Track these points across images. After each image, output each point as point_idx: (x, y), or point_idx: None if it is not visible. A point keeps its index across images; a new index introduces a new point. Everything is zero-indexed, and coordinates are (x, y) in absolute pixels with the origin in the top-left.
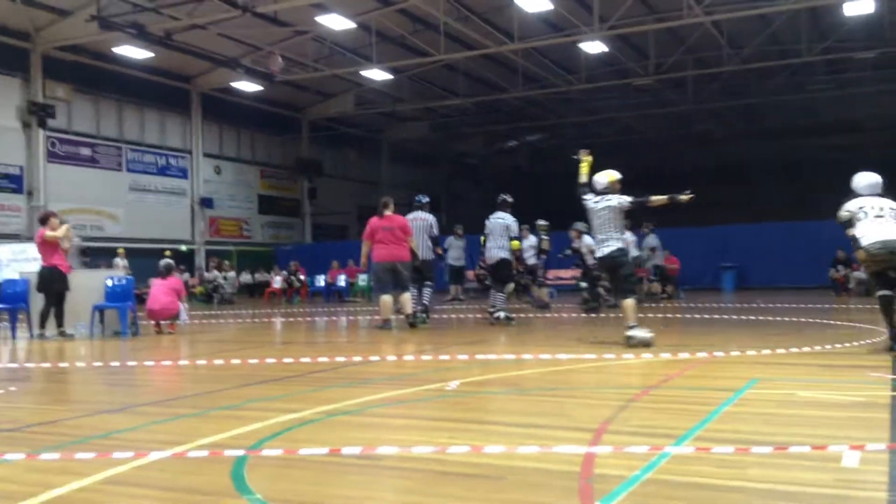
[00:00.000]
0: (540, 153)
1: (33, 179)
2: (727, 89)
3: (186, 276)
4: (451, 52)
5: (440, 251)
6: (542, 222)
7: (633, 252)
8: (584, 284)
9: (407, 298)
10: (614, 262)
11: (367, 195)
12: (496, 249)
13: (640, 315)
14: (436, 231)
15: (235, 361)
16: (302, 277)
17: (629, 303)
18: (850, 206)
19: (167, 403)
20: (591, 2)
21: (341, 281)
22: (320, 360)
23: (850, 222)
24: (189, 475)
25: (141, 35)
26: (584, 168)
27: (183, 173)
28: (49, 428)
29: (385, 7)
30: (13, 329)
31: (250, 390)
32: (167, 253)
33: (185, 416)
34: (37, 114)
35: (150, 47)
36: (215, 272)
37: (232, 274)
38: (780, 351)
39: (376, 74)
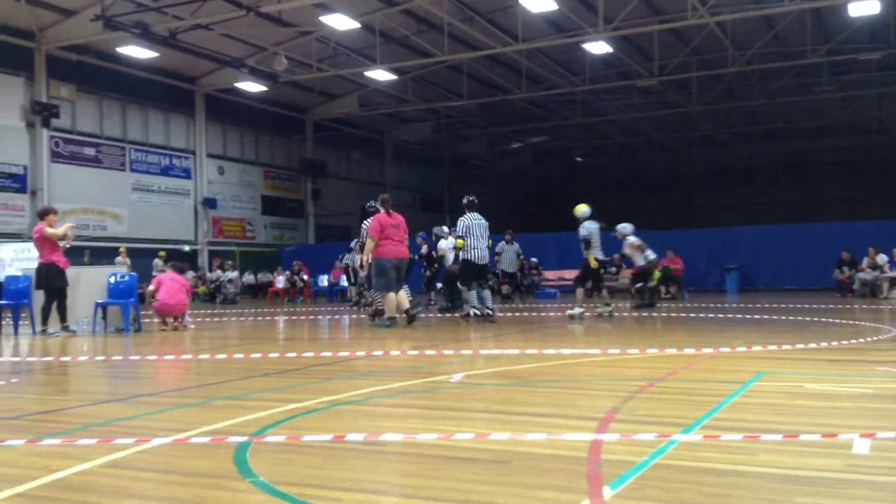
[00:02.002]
0: (544, 155)
1: (37, 179)
2: (731, 91)
3: (190, 274)
4: (455, 53)
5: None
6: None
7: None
8: (638, 284)
9: (404, 296)
10: None
11: (371, 196)
12: (484, 250)
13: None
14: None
15: (238, 356)
16: (305, 277)
17: None
18: None
19: (169, 394)
20: (595, 3)
21: (344, 281)
22: (323, 354)
23: None
24: (191, 459)
25: (145, 35)
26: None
27: (186, 174)
28: (51, 416)
29: (389, 7)
30: (16, 325)
31: (253, 382)
32: (161, 253)
33: (188, 405)
34: (41, 113)
35: (155, 47)
36: (218, 272)
37: (235, 274)
38: (787, 347)
39: (380, 75)
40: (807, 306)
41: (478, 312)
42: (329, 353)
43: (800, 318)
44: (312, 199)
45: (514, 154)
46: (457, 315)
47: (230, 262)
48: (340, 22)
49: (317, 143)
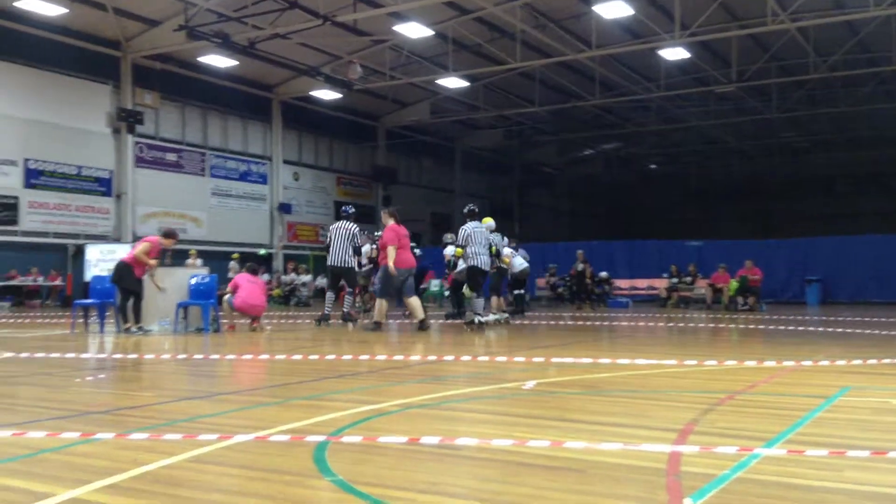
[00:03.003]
0: (616, 162)
1: (122, 183)
2: (813, 97)
3: (266, 277)
4: (527, 60)
5: (360, 260)
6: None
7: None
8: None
9: (419, 303)
10: None
11: (441, 203)
12: (486, 256)
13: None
14: (358, 241)
15: (313, 357)
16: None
17: None
18: None
19: (249, 392)
20: (672, 8)
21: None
22: (395, 358)
23: None
24: (272, 457)
25: (225, 44)
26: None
27: (263, 179)
28: (137, 412)
29: (462, 15)
30: (101, 323)
31: (328, 383)
32: (235, 255)
33: (267, 404)
34: (126, 120)
35: (234, 56)
36: (292, 275)
37: (308, 277)
38: (872, 361)
39: (452, 82)
40: (892, 320)
41: (482, 320)
42: (401, 357)
43: (885, 332)
44: (383, 205)
45: (585, 161)
46: (460, 322)
47: (304, 266)
48: (414, 30)
49: (388, 149)
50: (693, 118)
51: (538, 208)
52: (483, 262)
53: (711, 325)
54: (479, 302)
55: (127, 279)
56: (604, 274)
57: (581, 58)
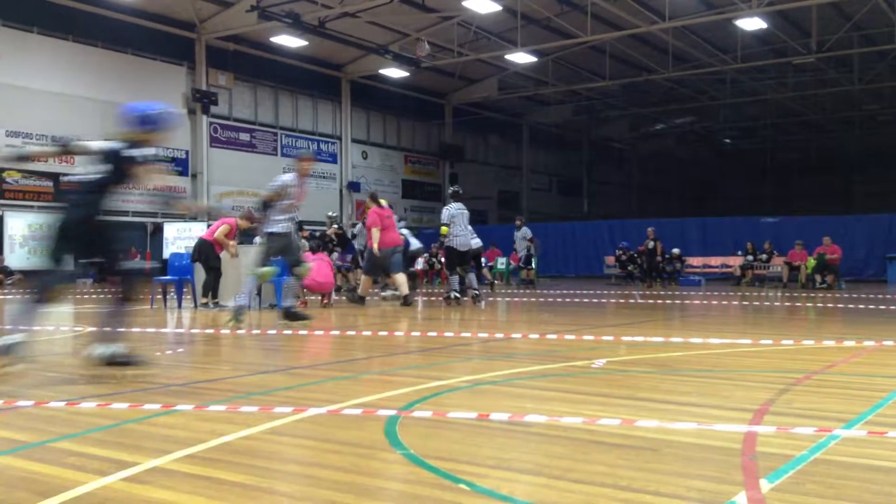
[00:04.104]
0: (689, 137)
1: (197, 163)
2: None
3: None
4: (598, 34)
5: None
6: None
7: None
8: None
9: (403, 279)
10: None
11: (508, 180)
12: (469, 237)
13: None
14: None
15: (382, 333)
16: (443, 260)
17: None
18: None
19: (321, 367)
20: None
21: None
22: (463, 335)
23: None
24: (345, 429)
25: (296, 24)
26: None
27: (333, 158)
28: (214, 385)
29: None
30: (179, 299)
31: (397, 359)
32: (305, 234)
33: (339, 378)
34: (201, 101)
35: (304, 36)
36: None
37: None
38: None
39: (520, 58)
40: None
41: (458, 295)
42: (468, 334)
43: None
44: (450, 183)
45: (657, 136)
46: (465, 299)
47: None
48: (482, 5)
49: (455, 127)
50: (770, 91)
51: (607, 185)
52: (459, 242)
53: (787, 303)
54: (455, 279)
55: (208, 256)
56: (676, 251)
57: (654, 30)
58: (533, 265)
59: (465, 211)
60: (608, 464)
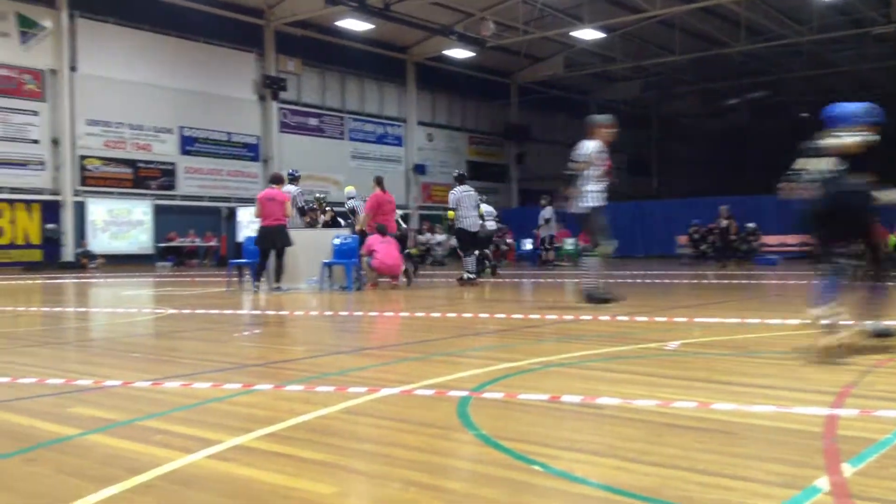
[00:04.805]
0: (763, 111)
1: (268, 148)
2: None
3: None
4: (667, 7)
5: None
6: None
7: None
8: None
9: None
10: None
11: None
12: (475, 219)
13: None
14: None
15: (451, 315)
16: (509, 241)
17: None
18: None
19: (392, 348)
20: None
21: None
22: (531, 316)
23: None
24: (418, 409)
25: (362, 7)
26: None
27: (398, 141)
28: (291, 365)
29: None
30: (255, 281)
31: (466, 340)
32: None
33: (409, 359)
34: (270, 87)
35: (370, 19)
36: (428, 235)
37: (443, 237)
38: None
39: (587, 34)
40: None
41: (472, 276)
42: (537, 316)
43: None
44: (516, 163)
45: (730, 111)
46: (481, 281)
47: (439, 226)
48: None
49: (521, 106)
50: (847, 62)
51: (678, 162)
52: (470, 224)
53: (868, 283)
54: (469, 260)
55: (284, 239)
56: (751, 225)
57: (725, 2)
58: (552, 246)
59: (473, 192)
60: (684, 447)
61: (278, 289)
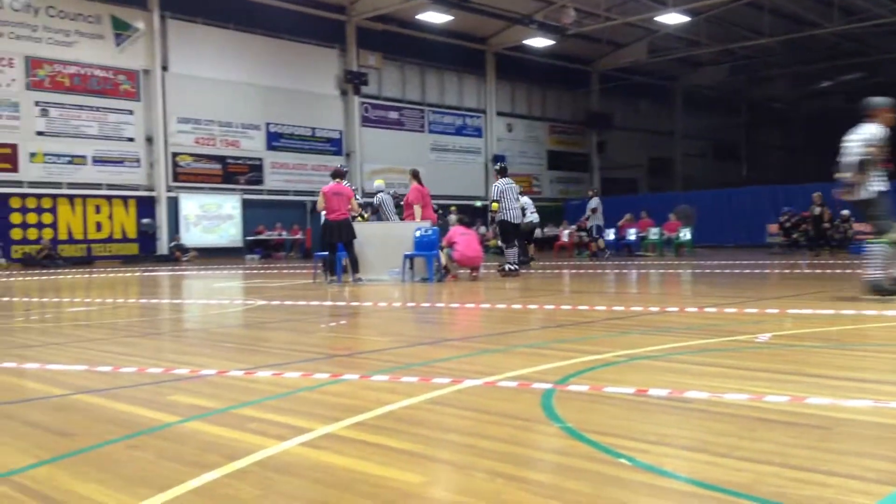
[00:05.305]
0: (859, 94)
1: (350, 142)
2: None
3: (483, 229)
4: None
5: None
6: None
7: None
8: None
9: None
10: None
11: (659, 146)
12: (517, 210)
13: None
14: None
15: (532, 306)
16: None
17: None
18: None
19: (474, 339)
20: None
21: (631, 235)
22: (615, 308)
23: None
24: (502, 401)
25: None
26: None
27: (478, 132)
28: (376, 355)
29: None
30: (338, 274)
31: (549, 332)
32: (453, 208)
33: (492, 351)
34: (352, 82)
35: (449, 11)
36: None
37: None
38: None
39: (672, 18)
40: None
41: (514, 268)
42: (621, 308)
43: None
44: (598, 151)
45: (823, 94)
46: (522, 271)
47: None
48: None
49: (602, 94)
50: None
51: (768, 148)
52: (513, 216)
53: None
54: (511, 252)
55: (350, 232)
56: (845, 212)
57: None
58: (599, 236)
59: (514, 185)
60: (777, 442)
61: (359, 280)
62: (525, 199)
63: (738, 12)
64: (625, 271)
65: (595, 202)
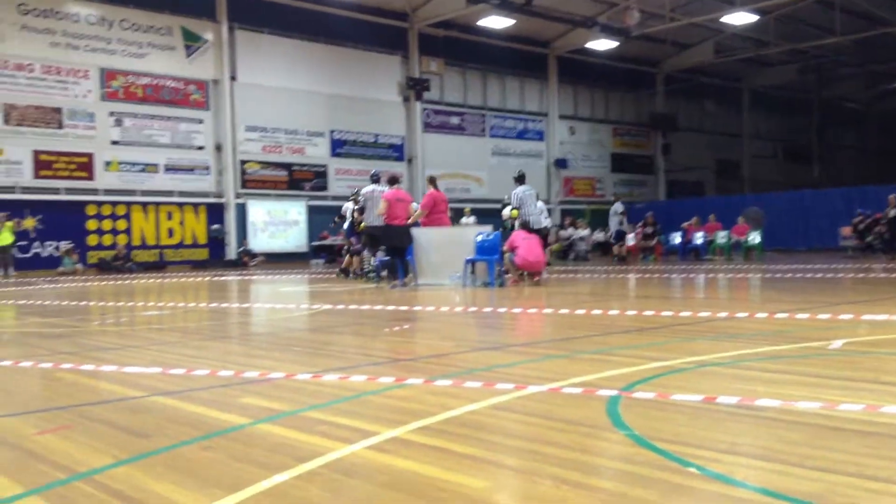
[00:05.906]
0: None
1: (413, 148)
2: None
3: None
4: None
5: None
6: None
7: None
8: None
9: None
10: None
11: (726, 148)
12: (537, 216)
13: None
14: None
15: (596, 312)
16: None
17: None
18: None
19: (537, 345)
20: None
21: (698, 238)
22: (682, 314)
23: None
24: (566, 408)
25: (503, 4)
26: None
27: (539, 136)
28: (439, 360)
29: None
30: (401, 277)
31: (614, 338)
32: (467, 210)
33: (556, 356)
34: (414, 88)
35: (511, 15)
36: (570, 230)
37: (586, 232)
38: None
39: (739, 18)
40: None
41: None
42: (688, 313)
43: None
44: (663, 154)
45: None
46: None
47: (581, 220)
48: None
49: (667, 95)
50: None
51: (841, 149)
52: (533, 221)
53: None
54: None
55: (409, 238)
56: None
57: None
58: (625, 242)
59: (533, 191)
60: (851, 451)
61: (404, 285)
62: (540, 204)
63: (808, 11)
64: (692, 276)
65: (619, 207)
